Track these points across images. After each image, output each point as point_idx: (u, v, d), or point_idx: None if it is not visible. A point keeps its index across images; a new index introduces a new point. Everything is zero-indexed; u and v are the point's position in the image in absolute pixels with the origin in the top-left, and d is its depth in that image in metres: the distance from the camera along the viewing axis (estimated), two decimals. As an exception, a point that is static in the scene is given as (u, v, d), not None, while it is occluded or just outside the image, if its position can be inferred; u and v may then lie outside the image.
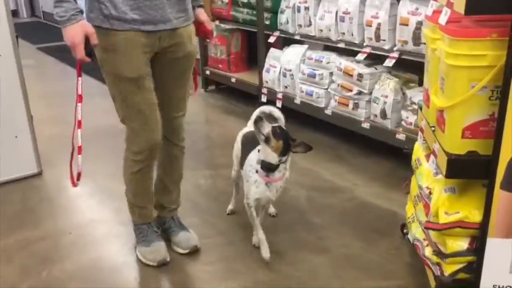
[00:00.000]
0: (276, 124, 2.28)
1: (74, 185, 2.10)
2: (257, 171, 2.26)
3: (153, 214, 2.42)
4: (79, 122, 2.01)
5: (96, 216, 2.85)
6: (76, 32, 1.87)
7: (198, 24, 2.31)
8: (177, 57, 2.15)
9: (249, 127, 2.60)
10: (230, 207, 2.77)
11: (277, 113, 2.54)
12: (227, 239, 2.56)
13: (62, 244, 2.58)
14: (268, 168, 2.22)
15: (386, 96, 3.21)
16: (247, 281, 2.25)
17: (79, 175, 2.06)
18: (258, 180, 2.26)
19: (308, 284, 2.21)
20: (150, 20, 1.98)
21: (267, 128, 2.19)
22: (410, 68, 3.24)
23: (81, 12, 1.90)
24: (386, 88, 3.23)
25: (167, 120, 2.25)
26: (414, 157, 2.31)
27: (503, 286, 1.78)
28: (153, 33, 2.01)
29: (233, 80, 4.68)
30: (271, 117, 2.54)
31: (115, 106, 2.15)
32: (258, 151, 2.26)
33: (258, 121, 2.19)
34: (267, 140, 2.18)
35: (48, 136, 3.80)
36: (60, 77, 6.05)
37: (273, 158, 2.20)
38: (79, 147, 2.01)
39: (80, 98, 2.00)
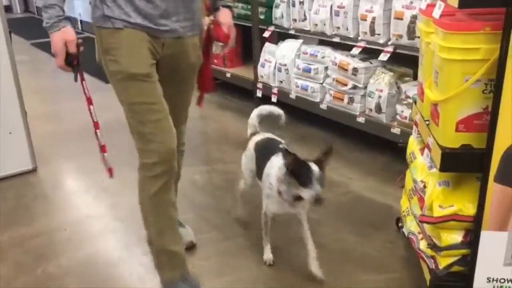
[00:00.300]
0: (316, 176, 1.98)
1: (111, 176, 2.03)
2: (279, 192, 2.10)
3: (185, 261, 2.10)
4: (96, 123, 1.98)
5: (92, 212, 2.84)
6: (57, 40, 1.82)
7: (216, 25, 2.16)
8: (179, 65, 2.05)
9: (261, 135, 2.47)
10: (239, 212, 2.64)
11: (277, 111, 2.50)
12: (223, 234, 2.56)
13: (58, 241, 2.57)
14: (298, 197, 2.07)
15: (381, 90, 3.22)
16: (243, 277, 2.25)
17: (111, 170, 2.03)
18: (280, 201, 2.15)
19: (304, 279, 2.21)
20: (154, 28, 1.90)
21: (316, 189, 1.96)
22: (405, 62, 3.24)
23: (66, 18, 1.83)
24: (381, 82, 3.24)
25: None
26: (408, 151, 2.31)
27: (497, 278, 1.80)
28: (157, 39, 1.92)
29: (228, 75, 4.67)
30: (271, 116, 2.52)
31: (125, 116, 1.99)
32: (279, 178, 2.07)
33: (307, 181, 1.96)
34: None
35: (42, 132, 3.79)
36: (54, 73, 5.96)
37: None
38: (103, 146, 2.00)
39: (89, 100, 1.97)
